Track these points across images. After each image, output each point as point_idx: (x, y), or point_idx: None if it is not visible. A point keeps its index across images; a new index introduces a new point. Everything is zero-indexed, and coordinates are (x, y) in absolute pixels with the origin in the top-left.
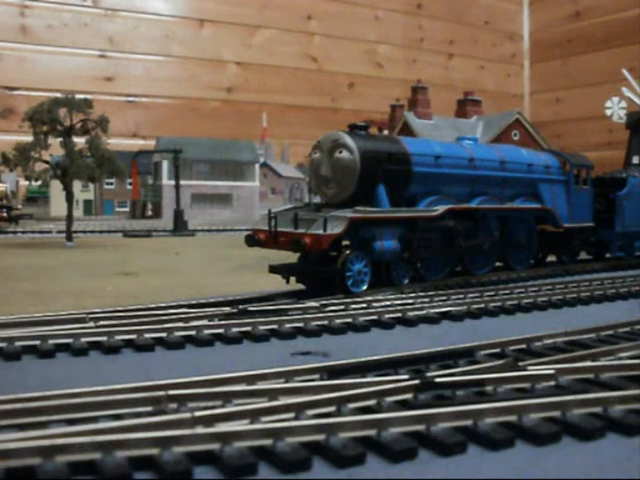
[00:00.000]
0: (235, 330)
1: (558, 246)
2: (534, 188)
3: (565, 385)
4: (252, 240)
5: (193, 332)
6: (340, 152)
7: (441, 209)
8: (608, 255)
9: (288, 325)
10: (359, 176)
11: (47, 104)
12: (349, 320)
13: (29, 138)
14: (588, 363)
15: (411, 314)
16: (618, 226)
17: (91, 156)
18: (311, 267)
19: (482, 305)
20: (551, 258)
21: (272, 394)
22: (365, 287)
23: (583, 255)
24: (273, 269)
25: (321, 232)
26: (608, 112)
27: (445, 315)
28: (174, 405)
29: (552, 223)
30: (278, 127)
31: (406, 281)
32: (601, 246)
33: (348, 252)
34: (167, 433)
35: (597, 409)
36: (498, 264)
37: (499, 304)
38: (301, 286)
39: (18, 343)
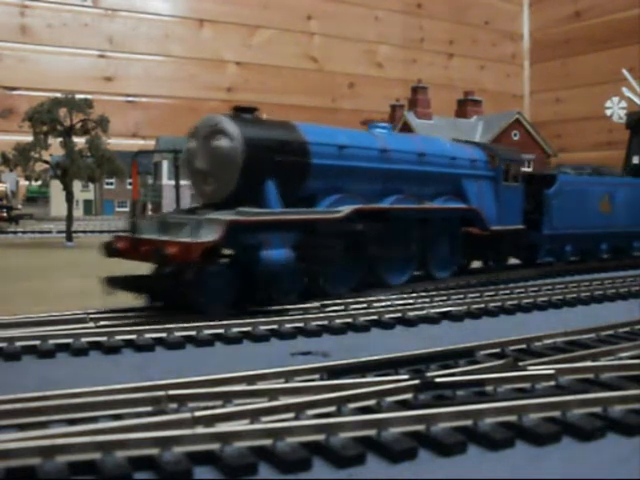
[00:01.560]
0: (235, 330)
1: (485, 251)
2: (458, 185)
3: (565, 385)
4: (110, 249)
5: (193, 332)
6: (218, 140)
7: (346, 210)
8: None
9: (288, 325)
10: (242, 169)
11: (47, 104)
12: (349, 320)
13: (29, 138)
14: (588, 363)
15: (411, 314)
16: (546, 228)
17: (91, 156)
18: (156, 280)
19: (482, 305)
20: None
21: (272, 394)
22: (227, 304)
23: (517, 261)
24: (112, 283)
25: (190, 240)
26: (608, 112)
27: (445, 315)
28: (174, 405)
29: (479, 225)
30: None
31: (293, 297)
32: (532, 250)
33: (199, 265)
34: (167, 433)
35: (597, 409)
36: (417, 273)
37: (499, 304)
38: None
39: (18, 343)
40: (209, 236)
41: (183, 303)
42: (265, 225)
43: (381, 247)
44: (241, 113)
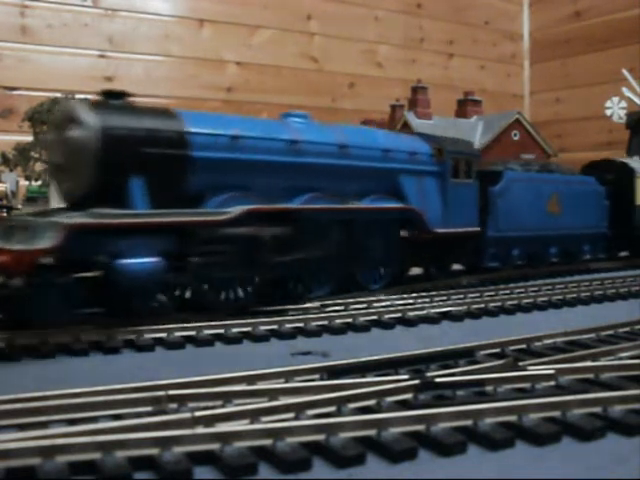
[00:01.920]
0: (235, 330)
1: (428, 257)
2: (393, 182)
3: (565, 385)
4: None
5: (193, 332)
6: (71, 130)
7: (234, 211)
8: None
9: (288, 325)
10: (98, 164)
11: (47, 104)
12: (349, 320)
13: (29, 138)
14: (588, 363)
15: (411, 314)
16: (491, 229)
17: None
18: None
19: (482, 305)
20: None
21: (272, 394)
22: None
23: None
24: None
25: (23, 247)
26: (608, 112)
27: (445, 315)
28: (174, 405)
29: (419, 228)
30: None
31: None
32: (476, 255)
33: (33, 276)
34: (167, 433)
35: (597, 409)
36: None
37: (499, 304)
38: None
39: (18, 343)
40: (45, 242)
41: (16, 318)
42: (122, 229)
43: (287, 254)
44: (108, 98)
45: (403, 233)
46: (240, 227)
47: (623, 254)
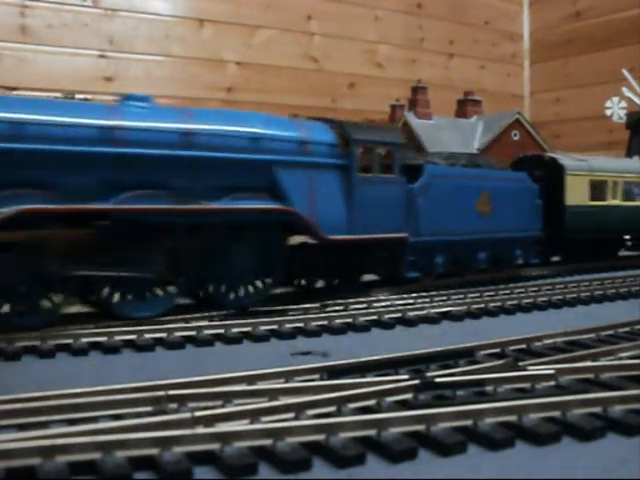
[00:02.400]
0: (235, 330)
1: (333, 267)
2: (270, 177)
3: (565, 385)
4: None
5: (193, 332)
6: None
7: (6, 212)
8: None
9: (288, 325)
10: None
11: None
12: (349, 320)
13: None
14: (588, 363)
15: (411, 314)
16: (410, 234)
17: None
18: None
19: (482, 305)
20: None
21: (272, 394)
22: None
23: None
24: None
25: None
26: (608, 112)
27: (445, 315)
28: (174, 405)
29: (307, 233)
30: None
31: None
32: (392, 263)
33: None
34: (167, 433)
35: (597, 409)
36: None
37: (499, 304)
38: None
39: (18, 343)
40: None
41: None
42: None
43: (94, 265)
44: None
45: (301, 239)
46: (16, 231)
47: (556, 259)
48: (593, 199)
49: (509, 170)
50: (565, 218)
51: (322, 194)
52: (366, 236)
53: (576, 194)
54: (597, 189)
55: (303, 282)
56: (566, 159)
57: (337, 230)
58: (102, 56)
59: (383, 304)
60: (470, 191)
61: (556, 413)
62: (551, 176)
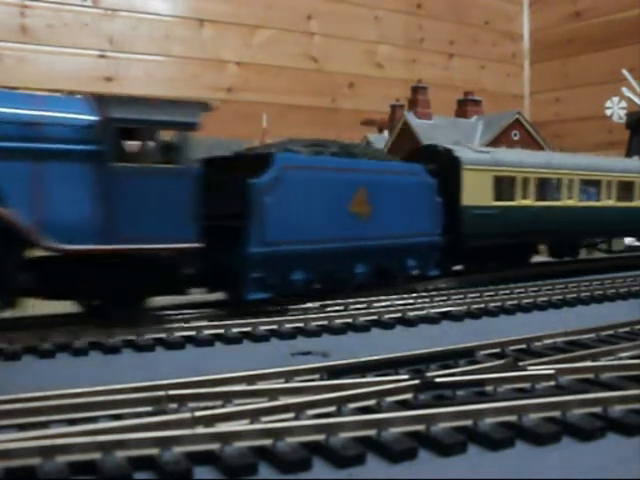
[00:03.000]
0: (235, 330)
1: (100, 286)
2: None
3: (565, 385)
4: None
5: (193, 332)
6: None
7: None
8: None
9: (288, 325)
10: None
11: None
12: (349, 320)
13: None
14: (588, 363)
15: (411, 314)
16: (255, 243)
17: None
18: None
19: (482, 305)
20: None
21: (272, 394)
22: None
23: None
24: None
25: None
26: (608, 112)
27: (445, 315)
28: (174, 405)
29: (28, 241)
30: (278, 127)
31: None
32: (229, 281)
33: None
34: (167, 433)
35: (597, 409)
36: None
37: (499, 304)
38: None
39: (18, 343)
40: None
41: None
42: None
43: None
44: None
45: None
46: None
47: (458, 268)
48: (498, 198)
49: (398, 161)
50: (461, 221)
51: (56, 191)
52: (126, 246)
53: (475, 192)
54: (503, 187)
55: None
56: (464, 150)
57: (81, 238)
58: (102, 56)
59: (383, 304)
60: (341, 187)
61: (556, 413)
62: (447, 171)
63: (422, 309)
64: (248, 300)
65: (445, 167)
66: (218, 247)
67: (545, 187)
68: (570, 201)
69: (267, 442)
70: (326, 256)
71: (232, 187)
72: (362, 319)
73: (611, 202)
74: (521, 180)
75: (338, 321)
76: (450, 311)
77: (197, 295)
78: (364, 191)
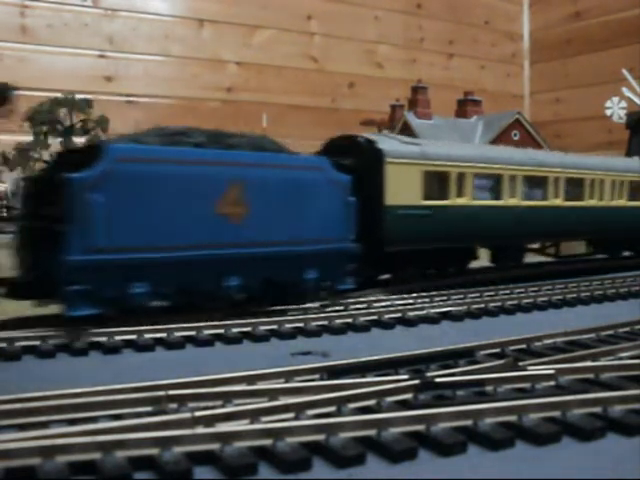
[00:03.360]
0: (235, 330)
1: None
2: None
3: (565, 385)
4: None
5: (193, 332)
6: None
7: None
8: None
9: (288, 325)
10: None
11: (47, 104)
12: (349, 320)
13: (29, 138)
14: (588, 363)
15: (411, 314)
16: (76, 248)
17: None
18: None
19: (482, 305)
20: None
21: (272, 394)
22: None
23: None
24: None
25: None
26: (608, 112)
27: (445, 315)
28: (174, 405)
29: None
30: (278, 127)
31: None
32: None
33: None
34: (167, 433)
35: (597, 409)
36: None
37: (499, 304)
38: None
39: (18, 343)
40: None
41: None
42: None
43: None
44: None
45: None
46: None
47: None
48: (428, 197)
49: (296, 155)
50: (385, 224)
51: None
52: None
53: (402, 190)
54: (435, 184)
55: None
56: (389, 141)
57: None
58: (102, 56)
59: (383, 304)
60: (201, 184)
61: (556, 413)
62: (368, 165)
63: (422, 309)
64: (71, 316)
65: (366, 161)
66: (46, 253)
67: (484, 184)
68: (513, 200)
69: (267, 442)
70: (179, 266)
71: (57, 185)
72: (362, 319)
73: (559, 201)
74: (456, 176)
75: (338, 321)
76: (450, 311)
77: None
78: (238, 188)
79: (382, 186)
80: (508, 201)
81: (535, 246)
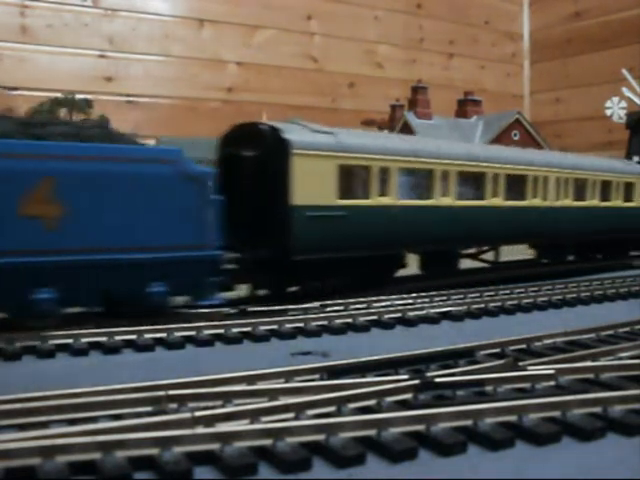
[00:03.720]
0: (235, 330)
1: None
2: None
3: (565, 385)
4: None
5: (193, 332)
6: None
7: None
8: None
9: (288, 325)
10: None
11: (47, 104)
12: (349, 320)
13: None
14: (588, 363)
15: (411, 314)
16: None
17: None
18: None
19: (482, 305)
20: None
21: (272, 394)
22: None
23: None
24: None
25: None
26: (608, 112)
27: (445, 315)
28: (174, 405)
29: None
30: None
31: None
32: None
33: None
34: (167, 433)
35: (597, 409)
36: None
37: (499, 304)
38: None
39: (18, 343)
40: None
41: None
42: None
43: None
44: None
45: None
46: None
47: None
48: (345, 196)
49: (134, 145)
50: (291, 227)
51: None
52: None
53: (312, 188)
54: (353, 180)
55: None
56: (297, 130)
57: None
58: (102, 56)
59: (383, 304)
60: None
61: (556, 413)
62: (272, 158)
63: (422, 309)
64: None
65: (270, 153)
66: None
67: (412, 181)
68: (446, 199)
69: (267, 442)
70: None
71: None
72: (362, 319)
73: (498, 201)
74: (378, 171)
75: (338, 321)
76: (450, 311)
77: None
78: (47, 185)
79: (288, 182)
80: (440, 201)
81: (471, 251)
